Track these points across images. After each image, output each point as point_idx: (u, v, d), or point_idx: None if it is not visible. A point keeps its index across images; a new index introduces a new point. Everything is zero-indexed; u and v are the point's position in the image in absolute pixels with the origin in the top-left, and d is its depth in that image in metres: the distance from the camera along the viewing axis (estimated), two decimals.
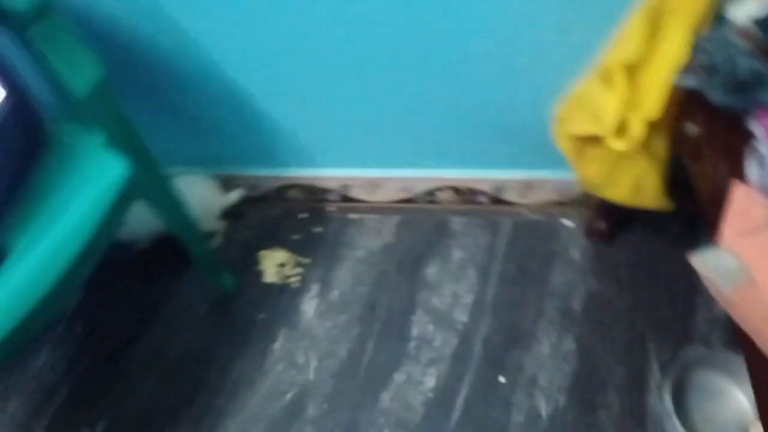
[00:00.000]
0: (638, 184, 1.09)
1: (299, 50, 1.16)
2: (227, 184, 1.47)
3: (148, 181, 1.06)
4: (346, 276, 1.39)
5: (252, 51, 1.17)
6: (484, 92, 1.20)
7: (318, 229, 1.47)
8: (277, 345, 1.30)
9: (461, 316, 1.31)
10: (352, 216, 1.48)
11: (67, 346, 1.35)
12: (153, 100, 1.31)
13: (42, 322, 0.90)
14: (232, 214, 1.48)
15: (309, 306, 1.35)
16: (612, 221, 1.37)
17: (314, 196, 1.49)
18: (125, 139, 1.00)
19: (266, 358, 1.28)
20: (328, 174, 1.44)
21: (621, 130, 1.00)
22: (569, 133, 1.10)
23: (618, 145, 0.97)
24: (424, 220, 1.46)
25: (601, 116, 0.98)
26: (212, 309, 1.37)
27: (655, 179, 1.07)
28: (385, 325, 1.31)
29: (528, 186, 1.40)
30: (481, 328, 1.29)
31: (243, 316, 1.35)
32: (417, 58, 1.15)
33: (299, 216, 1.50)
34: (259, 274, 1.41)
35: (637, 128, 0.93)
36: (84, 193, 0.92)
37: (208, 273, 1.34)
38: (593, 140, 1.06)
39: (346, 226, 1.47)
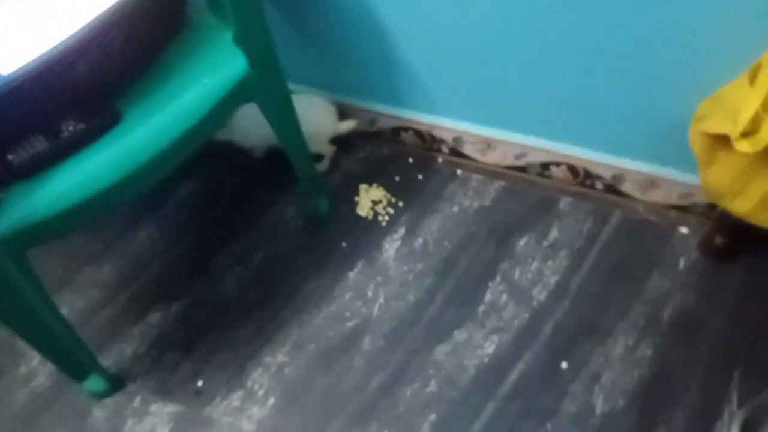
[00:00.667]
0: (766, 202, 0.99)
1: None
2: (346, 112, 1.51)
3: (266, 86, 1.11)
4: (434, 227, 1.39)
5: None
6: (629, 76, 1.13)
7: (420, 177, 1.47)
8: (352, 274, 1.34)
9: (539, 295, 1.26)
10: (458, 172, 1.47)
11: (169, 229, 1.47)
12: (293, 14, 1.37)
13: (139, 187, 1.00)
14: (343, 142, 1.52)
15: (391, 246, 1.37)
16: (732, 238, 1.25)
17: (426, 143, 1.49)
18: (256, 41, 1.06)
19: (338, 284, 1.33)
20: (445, 124, 1.43)
21: (752, 131, 0.91)
22: (703, 131, 1.01)
23: (743, 146, 0.88)
24: (530, 192, 1.42)
25: (737, 115, 0.90)
26: (303, 226, 1.43)
27: None
28: (459, 284, 1.30)
29: (650, 182, 1.30)
30: (557, 311, 1.24)
31: (328, 239, 1.40)
32: (565, 26, 1.10)
33: (407, 160, 1.51)
34: (353, 204, 1.44)
35: None
36: (200, 81, 0.99)
37: (307, 192, 1.40)
38: (726, 142, 0.97)
39: (449, 181, 1.46)
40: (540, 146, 1.36)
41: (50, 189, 0.89)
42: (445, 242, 1.36)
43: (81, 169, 0.90)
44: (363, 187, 1.46)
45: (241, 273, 1.37)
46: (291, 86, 1.50)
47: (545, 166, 1.39)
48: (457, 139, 1.44)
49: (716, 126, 0.98)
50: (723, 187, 1.05)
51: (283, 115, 1.22)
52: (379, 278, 1.33)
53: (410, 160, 1.51)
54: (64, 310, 1.31)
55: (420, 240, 1.37)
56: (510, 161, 1.42)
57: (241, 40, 1.03)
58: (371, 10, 1.26)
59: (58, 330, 1.10)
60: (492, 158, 1.44)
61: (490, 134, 1.40)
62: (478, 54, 1.24)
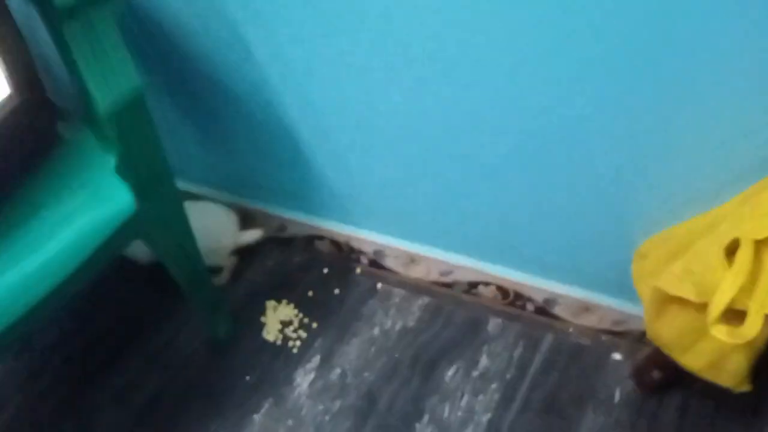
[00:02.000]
0: (719, 361, 0.93)
1: (372, 105, 1.03)
2: (250, 218, 1.35)
3: (158, 219, 0.94)
4: (352, 354, 1.24)
5: (317, 91, 1.05)
6: (570, 200, 1.04)
7: (337, 291, 1.32)
8: (258, 417, 1.16)
9: None
10: (379, 285, 1.33)
11: (31, 355, 1.23)
12: (192, 111, 1.20)
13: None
14: (247, 248, 1.35)
15: (304, 380, 1.20)
16: (668, 373, 1.20)
17: (344, 253, 1.35)
18: (146, 169, 0.88)
19: (244, 429, 1.14)
20: (363, 236, 1.29)
21: (729, 314, 0.83)
22: (657, 287, 0.93)
23: (721, 333, 0.79)
24: (456, 311, 1.30)
25: (707, 286, 0.82)
26: (199, 353, 1.24)
27: (742, 362, 0.91)
28: (382, 426, 1.15)
29: (584, 307, 1.23)
30: None
31: (230, 370, 1.22)
32: (500, 141, 1.00)
33: (322, 270, 1.36)
34: (259, 326, 1.27)
35: (756, 323, 0.76)
36: (74, 223, 0.80)
37: (202, 313, 1.21)
38: (681, 299, 0.90)
39: (369, 296, 1.32)
40: (468, 265, 1.26)
41: None
42: (365, 373, 1.22)
43: None
44: (270, 304, 1.29)
45: (121, 417, 1.16)
46: (185, 186, 1.33)
47: (473, 284, 1.29)
48: (378, 252, 1.31)
49: (675, 286, 0.90)
50: (673, 339, 0.99)
51: (176, 245, 1.03)
52: (290, 422, 1.15)
53: (325, 270, 1.35)
54: None
55: (337, 371, 1.22)
56: (435, 277, 1.31)
57: (125, 169, 0.84)
58: (282, 111, 1.11)
59: None
60: (416, 272, 1.32)
61: (414, 249, 1.28)
62: (401, 165, 1.12)
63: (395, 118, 1.03)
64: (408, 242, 1.27)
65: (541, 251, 1.17)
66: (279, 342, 1.25)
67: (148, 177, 0.88)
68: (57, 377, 1.20)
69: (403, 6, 0.86)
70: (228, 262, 1.31)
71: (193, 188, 1.38)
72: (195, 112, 1.20)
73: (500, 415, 1.17)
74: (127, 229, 0.84)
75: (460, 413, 1.17)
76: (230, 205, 1.33)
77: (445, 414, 1.17)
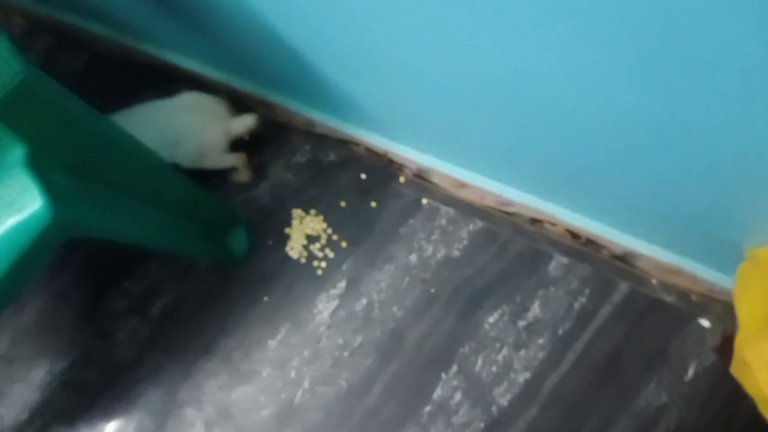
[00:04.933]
0: None
1: None
2: (267, 112, 1.15)
3: (99, 205, 0.77)
4: (383, 283, 1.10)
5: None
6: (688, 158, 0.74)
7: (374, 204, 1.14)
8: (273, 343, 1.10)
9: (501, 397, 1.03)
10: (424, 201, 1.13)
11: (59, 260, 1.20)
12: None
13: None
14: (279, 138, 1.18)
15: (326, 307, 1.10)
16: None
17: (383, 161, 1.13)
18: (71, 154, 0.71)
19: (258, 353, 1.09)
20: (405, 153, 1.07)
21: None
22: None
23: None
24: (514, 241, 1.09)
25: None
26: (219, 264, 1.16)
27: None
28: (405, 370, 1.06)
29: (673, 272, 0.99)
30: (520, 423, 1.03)
31: (249, 288, 1.13)
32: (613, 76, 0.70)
33: (359, 175, 1.16)
34: (283, 238, 1.14)
35: None
36: None
37: (215, 236, 1.09)
38: None
39: (411, 212, 1.13)
40: (531, 205, 1.02)
41: None
42: (395, 307, 1.09)
43: None
44: (297, 213, 1.15)
45: (138, 326, 1.14)
46: (177, 59, 1.15)
47: (537, 220, 1.07)
48: (423, 169, 1.09)
49: None
50: None
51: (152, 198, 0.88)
52: (306, 353, 1.08)
53: (363, 175, 1.16)
54: None
55: (363, 301, 1.10)
56: (491, 203, 1.09)
57: (39, 162, 0.67)
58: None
59: None
60: (467, 195, 1.10)
61: (465, 177, 1.04)
62: (453, 78, 0.80)
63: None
64: (450, 163, 1.04)
65: (628, 206, 0.91)
66: (303, 260, 1.13)
67: (78, 163, 0.71)
68: (77, 279, 1.18)
69: None
70: (236, 160, 1.14)
71: (193, 66, 1.19)
72: None
73: (543, 375, 1.03)
74: (51, 234, 0.68)
75: (494, 368, 1.04)
76: (238, 94, 1.15)
77: (477, 366, 1.05)
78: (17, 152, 0.67)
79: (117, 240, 0.83)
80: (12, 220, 0.65)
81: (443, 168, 1.04)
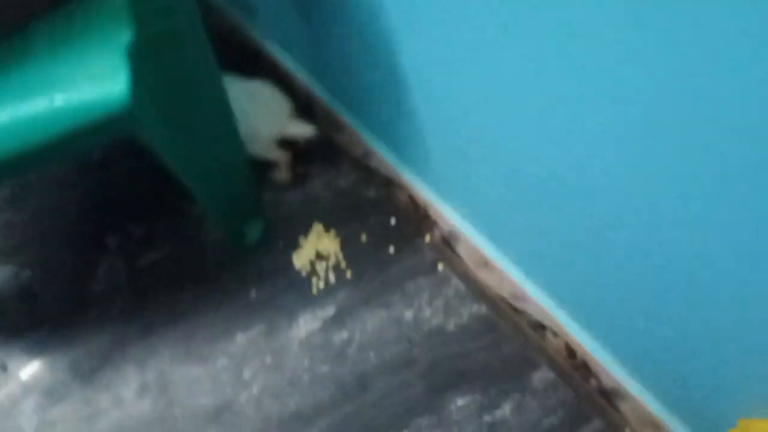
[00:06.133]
0: None
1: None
2: (337, 131, 1.19)
3: (170, 113, 0.80)
4: (370, 326, 1.08)
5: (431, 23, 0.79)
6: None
7: (392, 250, 1.15)
8: (241, 337, 1.06)
9: None
10: (440, 266, 1.13)
11: (82, 171, 1.22)
12: None
13: None
14: (328, 157, 1.21)
15: (307, 325, 1.08)
16: None
17: (419, 214, 1.15)
18: (167, 58, 0.74)
19: (222, 341, 1.05)
20: (443, 209, 1.09)
21: None
22: None
23: None
24: (511, 341, 1.08)
25: None
26: (221, 242, 1.15)
27: None
28: (357, 417, 1.00)
29: (653, 425, 0.95)
30: None
31: (241, 276, 1.12)
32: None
33: (390, 219, 1.18)
34: (294, 245, 1.14)
35: None
36: (51, 94, 0.67)
37: (233, 214, 1.09)
38: None
39: (423, 273, 1.13)
40: (546, 308, 1.01)
41: None
42: (372, 353, 1.06)
43: None
44: (317, 228, 1.15)
45: (120, 268, 1.11)
46: (271, 46, 1.21)
47: (541, 326, 1.06)
48: (453, 234, 1.11)
49: None
50: None
51: (209, 138, 0.91)
52: (268, 359, 1.04)
53: (392, 221, 1.18)
54: None
55: (345, 334, 1.07)
56: (505, 293, 1.09)
57: (136, 56, 0.70)
58: (393, 28, 0.87)
59: None
60: (485, 277, 1.11)
61: (490, 252, 1.05)
62: (508, 145, 0.84)
63: (523, 82, 0.78)
64: (486, 239, 1.05)
65: (637, 342, 0.91)
66: (304, 273, 1.12)
67: (175, 68, 0.75)
68: (90, 196, 1.18)
69: None
70: (279, 156, 1.17)
71: (283, 58, 1.25)
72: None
73: None
74: (113, 124, 0.70)
75: None
76: (313, 100, 1.19)
77: None
78: (125, 37, 0.70)
79: (159, 157, 0.84)
80: (92, 91, 0.68)
81: (474, 239, 1.05)
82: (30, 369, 1.03)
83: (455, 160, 0.99)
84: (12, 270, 1.11)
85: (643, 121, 0.61)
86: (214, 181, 0.96)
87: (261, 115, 1.13)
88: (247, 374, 1.03)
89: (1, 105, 0.68)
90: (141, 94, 0.69)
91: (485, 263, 1.08)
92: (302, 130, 1.16)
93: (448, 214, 1.11)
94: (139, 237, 1.14)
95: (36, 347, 1.04)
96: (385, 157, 1.15)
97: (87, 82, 0.68)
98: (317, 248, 1.13)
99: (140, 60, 0.71)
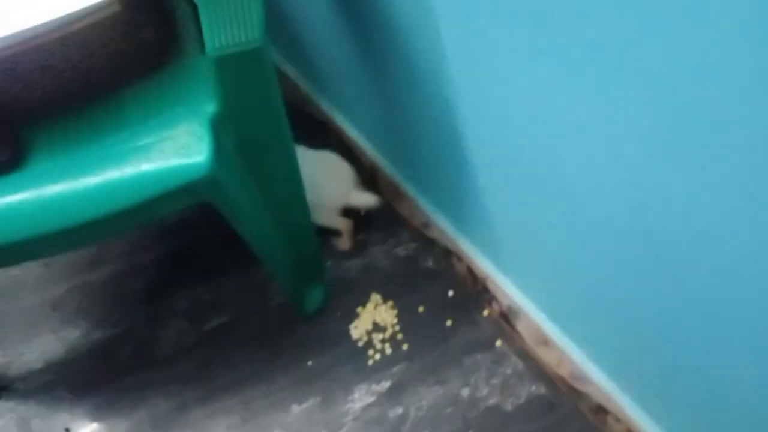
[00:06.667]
0: None
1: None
2: (398, 200, 1.20)
3: (245, 180, 0.84)
4: (426, 403, 1.06)
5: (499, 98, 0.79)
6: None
7: (449, 323, 1.13)
8: (297, 409, 1.07)
9: None
10: (499, 343, 1.10)
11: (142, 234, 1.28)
12: (374, 66, 1.03)
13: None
14: (388, 227, 1.22)
15: (361, 398, 1.07)
16: None
17: (477, 286, 1.13)
18: (249, 126, 0.78)
19: (277, 412, 1.06)
20: (501, 282, 1.07)
21: None
22: None
23: None
24: (570, 424, 1.03)
25: None
26: (283, 308, 1.17)
27: None
28: None
29: None
30: None
31: (299, 343, 1.13)
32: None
33: (447, 291, 1.16)
34: (351, 315, 1.15)
35: None
36: (135, 160, 0.72)
37: (296, 278, 1.11)
38: None
39: (481, 348, 1.10)
40: (609, 392, 0.97)
41: None
42: (426, 431, 1.06)
43: None
44: (375, 298, 1.15)
45: (186, 331, 1.15)
46: (339, 117, 1.24)
47: (603, 409, 1.02)
48: (512, 310, 1.09)
49: None
50: None
51: (281, 203, 0.94)
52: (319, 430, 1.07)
53: (450, 293, 1.17)
54: None
55: (399, 410, 1.06)
56: (564, 373, 1.06)
57: (221, 126, 0.74)
58: (460, 102, 0.86)
59: None
60: (545, 356, 1.08)
61: (554, 335, 1.02)
62: (577, 230, 0.82)
63: (591, 169, 0.76)
64: (546, 316, 1.02)
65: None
66: (361, 344, 1.12)
67: (252, 137, 0.78)
68: (160, 262, 1.23)
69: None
70: (342, 225, 1.18)
71: (350, 131, 1.27)
72: (374, 65, 1.04)
73: None
74: (195, 189, 0.74)
75: None
76: (384, 175, 1.21)
77: None
78: (210, 107, 0.75)
79: (231, 221, 0.88)
80: (176, 161, 0.73)
81: (534, 315, 1.03)
82: None
83: (516, 233, 0.98)
84: (84, 329, 1.17)
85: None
86: (281, 245, 0.99)
87: (327, 184, 1.15)
88: None
89: (93, 168, 0.73)
90: (221, 162, 0.73)
91: (545, 341, 1.05)
92: (368, 200, 1.17)
93: (507, 288, 1.09)
94: (206, 302, 1.18)
95: (98, 410, 1.09)
96: (445, 228, 1.15)
97: (173, 150, 0.73)
98: (374, 319, 1.13)
99: (222, 128, 0.75)
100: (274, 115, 0.81)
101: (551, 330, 1.04)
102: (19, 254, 0.81)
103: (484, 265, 1.11)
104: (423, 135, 1.05)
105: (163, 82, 0.79)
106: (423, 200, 1.18)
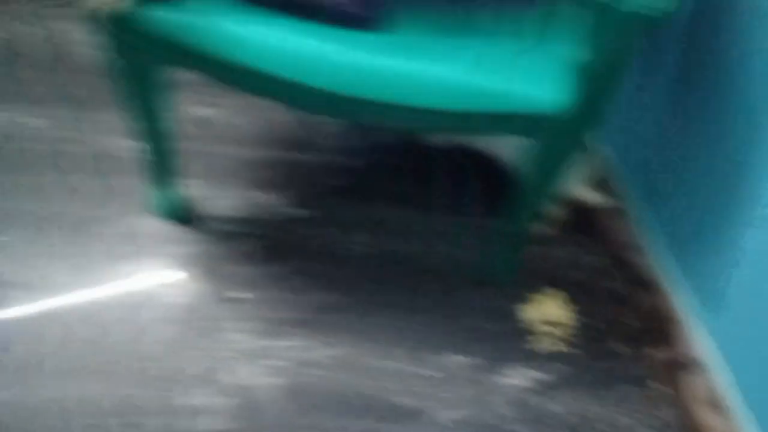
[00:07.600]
0: None
1: None
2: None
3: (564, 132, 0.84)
4: (577, 414, 1.04)
5: None
6: None
7: (617, 349, 1.11)
8: (455, 359, 1.07)
9: None
10: (657, 385, 1.08)
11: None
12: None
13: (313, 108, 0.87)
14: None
15: (513, 377, 1.07)
16: None
17: (662, 325, 1.12)
18: (593, 86, 0.77)
19: (437, 355, 1.08)
20: (695, 343, 1.05)
21: None
22: None
23: None
24: None
25: None
26: (467, 264, 1.18)
27: None
28: None
29: None
30: None
31: (465, 306, 1.14)
32: None
33: (628, 312, 1.15)
34: (529, 298, 1.15)
35: None
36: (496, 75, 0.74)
37: (503, 236, 1.11)
38: None
39: (637, 384, 1.08)
40: None
41: (224, 28, 0.76)
42: None
43: (273, 37, 0.75)
44: (556, 293, 1.15)
45: (371, 243, 1.18)
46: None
47: None
48: (691, 360, 1.04)
49: None
50: None
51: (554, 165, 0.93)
52: (470, 390, 1.04)
53: (631, 318, 1.15)
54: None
55: (548, 405, 1.04)
56: None
57: (578, 76, 0.75)
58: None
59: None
60: (708, 420, 1.02)
61: (730, 401, 0.98)
62: None
63: None
64: (732, 378, 0.98)
65: None
66: (528, 328, 1.12)
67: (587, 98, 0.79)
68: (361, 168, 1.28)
69: None
70: (556, 211, 1.20)
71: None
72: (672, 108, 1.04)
73: None
74: (537, 124, 0.77)
75: None
76: (612, 182, 1.21)
77: None
78: (582, 54, 0.76)
79: (530, 166, 0.91)
80: (537, 89, 0.76)
81: (714, 375, 0.99)
82: None
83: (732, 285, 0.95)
84: (279, 203, 1.21)
85: None
86: (537, 203, 1.00)
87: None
88: (446, 394, 1.05)
89: (458, 63, 0.76)
90: (574, 107, 0.76)
91: (714, 404, 1.02)
92: (592, 196, 1.20)
93: (694, 339, 1.06)
94: (399, 225, 1.21)
95: (259, 280, 1.12)
96: (650, 256, 1.14)
97: (537, 78, 0.76)
98: (549, 312, 1.13)
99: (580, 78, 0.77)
100: (609, 88, 0.81)
101: (730, 394, 0.99)
102: (340, 108, 0.83)
103: (677, 305, 1.08)
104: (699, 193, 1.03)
105: (543, 16, 0.83)
106: (640, 223, 1.17)
